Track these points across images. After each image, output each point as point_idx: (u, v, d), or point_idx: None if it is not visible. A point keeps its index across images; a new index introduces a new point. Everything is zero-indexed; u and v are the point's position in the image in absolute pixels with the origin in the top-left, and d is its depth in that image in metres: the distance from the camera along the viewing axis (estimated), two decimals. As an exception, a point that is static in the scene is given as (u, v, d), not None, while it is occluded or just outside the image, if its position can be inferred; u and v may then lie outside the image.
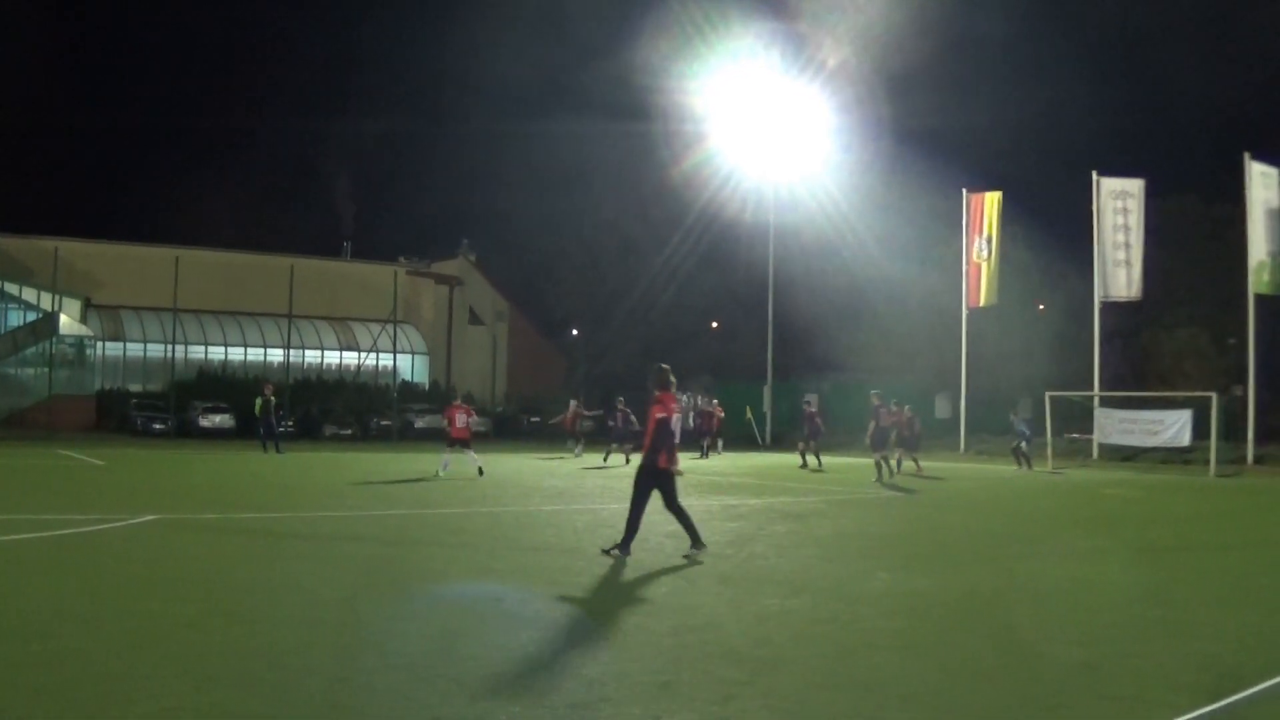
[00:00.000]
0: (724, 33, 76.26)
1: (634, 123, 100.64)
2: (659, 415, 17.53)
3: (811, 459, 46.48)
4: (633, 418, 48.29)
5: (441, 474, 36.23)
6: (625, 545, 17.44)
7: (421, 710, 8.73)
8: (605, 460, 47.42)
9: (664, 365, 18.56)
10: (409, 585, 14.73)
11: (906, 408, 42.73)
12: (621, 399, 48.53)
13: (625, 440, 48.11)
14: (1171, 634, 12.42)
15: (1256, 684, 9.83)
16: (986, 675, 10.33)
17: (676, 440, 18.09)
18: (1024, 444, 47.48)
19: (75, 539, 18.47)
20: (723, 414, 60.28)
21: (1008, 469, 47.25)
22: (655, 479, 17.58)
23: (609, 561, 16.94)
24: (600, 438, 53.84)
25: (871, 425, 39.74)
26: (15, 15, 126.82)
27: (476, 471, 36.44)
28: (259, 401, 49.93)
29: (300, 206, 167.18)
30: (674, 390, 18.31)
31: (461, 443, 38.17)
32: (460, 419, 38.65)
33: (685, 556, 17.11)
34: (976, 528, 24.97)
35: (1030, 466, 46.34)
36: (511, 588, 14.75)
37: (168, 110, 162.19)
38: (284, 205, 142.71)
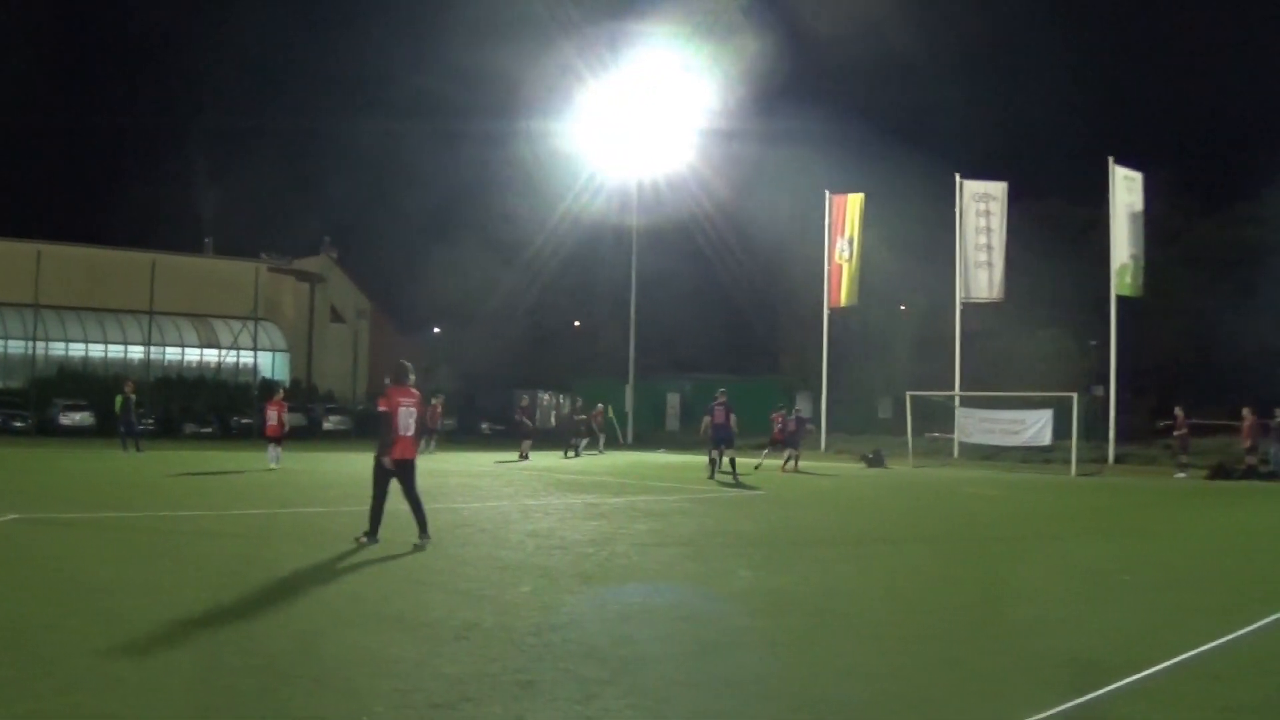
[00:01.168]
0: (590, 29, 76.43)
1: (497, 121, 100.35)
2: (382, 409, 17.82)
3: (778, 461, 45.75)
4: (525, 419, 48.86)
5: (273, 467, 36.78)
6: (372, 533, 18.08)
7: (282, 710, 8.65)
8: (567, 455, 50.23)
9: (403, 361, 18.97)
10: (267, 584, 14.54)
11: (797, 411, 42.86)
12: (526, 398, 48.33)
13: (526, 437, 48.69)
14: (1033, 630, 12.54)
15: (1119, 679, 9.93)
16: (848, 672, 10.38)
17: (408, 433, 18.17)
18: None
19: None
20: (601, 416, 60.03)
21: (868, 468, 47.62)
22: (384, 472, 17.71)
23: (469, 561, 16.88)
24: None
25: (705, 420, 39.97)
26: None
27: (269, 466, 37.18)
28: (119, 399, 49.18)
29: (161, 201, 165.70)
30: (411, 384, 18.51)
31: (273, 440, 38.60)
32: (273, 416, 39.03)
33: (415, 545, 17.52)
34: (837, 525, 25.25)
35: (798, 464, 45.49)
36: (370, 586, 14.70)
37: (32, 100, 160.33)
38: (145, 199, 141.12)
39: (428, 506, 18.41)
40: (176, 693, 9.07)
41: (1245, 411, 42.80)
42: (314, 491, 30.23)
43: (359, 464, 37.79)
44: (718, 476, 38.01)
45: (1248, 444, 42.89)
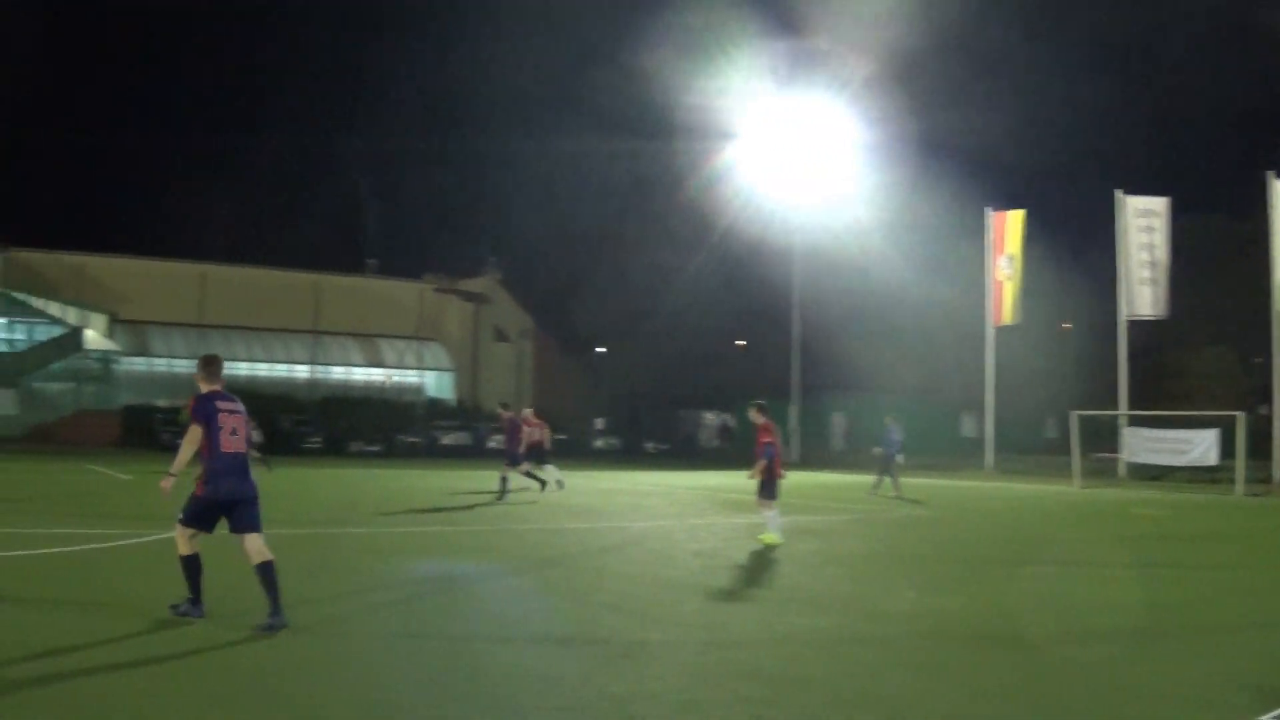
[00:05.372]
0: (749, 50, 76.26)
1: (660, 141, 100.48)
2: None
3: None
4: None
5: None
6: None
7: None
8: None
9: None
10: (439, 599, 14.76)
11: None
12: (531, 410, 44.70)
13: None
14: (1204, 653, 12.35)
15: (1287, 706, 9.71)
16: (1011, 695, 10.35)
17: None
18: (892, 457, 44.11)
19: (97, 554, 18.46)
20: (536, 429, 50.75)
21: (1037, 488, 47.02)
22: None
23: (636, 579, 16.96)
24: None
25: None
26: (39, 36, 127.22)
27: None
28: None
29: (326, 223, 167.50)
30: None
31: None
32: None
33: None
34: (1002, 545, 24.84)
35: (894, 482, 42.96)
36: (538, 604, 14.84)
37: (194, 126, 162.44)
38: (309, 221, 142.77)
39: (598, 525, 18.39)
40: (339, 708, 9.25)
41: None
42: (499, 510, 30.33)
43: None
44: (880, 496, 37.75)
45: None
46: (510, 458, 34.88)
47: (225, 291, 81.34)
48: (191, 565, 12.73)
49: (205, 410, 12.74)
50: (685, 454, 57.10)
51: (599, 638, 12.58)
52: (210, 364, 13.37)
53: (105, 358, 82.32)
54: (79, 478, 39.47)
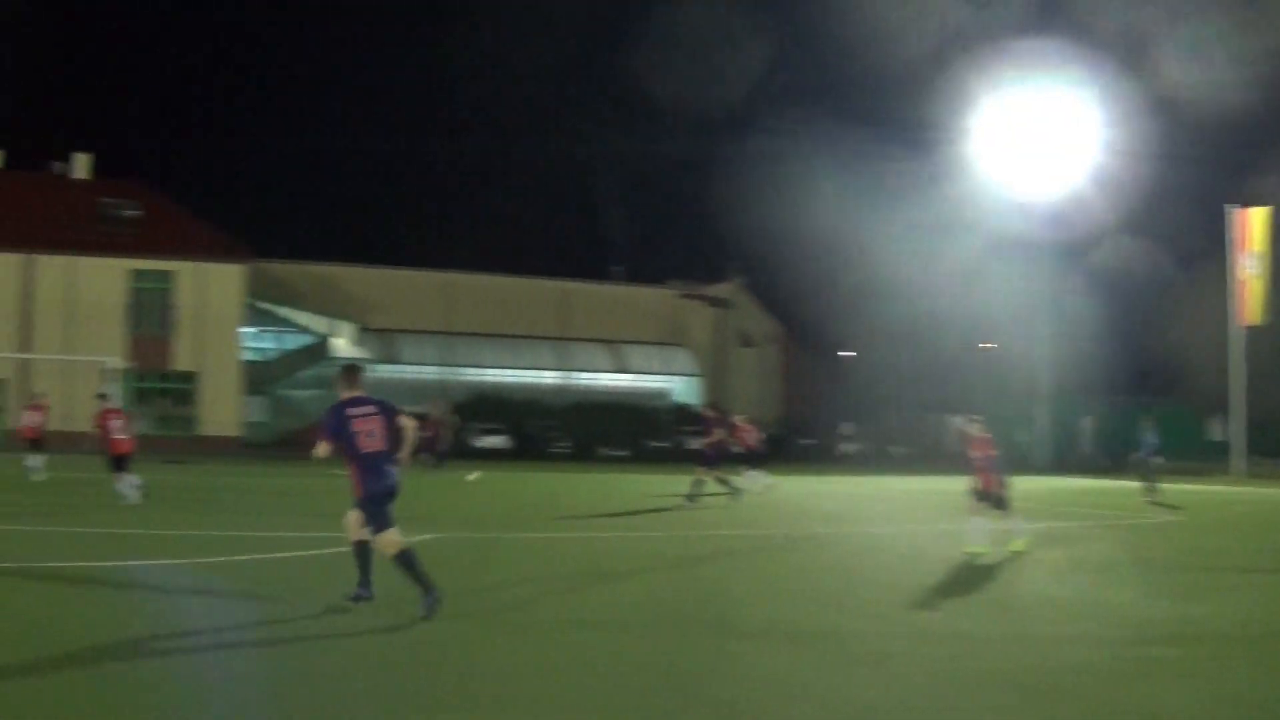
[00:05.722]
0: (991, 47, 75.79)
1: (903, 142, 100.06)
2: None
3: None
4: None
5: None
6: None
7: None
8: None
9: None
10: (681, 604, 15.02)
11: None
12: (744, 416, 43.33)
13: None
14: None
15: None
16: (1266, 706, 10.31)
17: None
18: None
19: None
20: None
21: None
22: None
23: (884, 585, 17.05)
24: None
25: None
26: (283, 49, 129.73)
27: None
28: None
29: (571, 230, 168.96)
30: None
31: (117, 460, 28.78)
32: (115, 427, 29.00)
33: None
34: (1256, 552, 24.34)
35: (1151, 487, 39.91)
36: (785, 608, 14.98)
37: (436, 137, 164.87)
38: (554, 228, 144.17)
39: (845, 530, 18.54)
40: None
41: None
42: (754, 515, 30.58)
43: (789, 487, 38.20)
44: (1152, 500, 37.17)
45: None
46: (707, 460, 34.32)
47: (472, 299, 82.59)
48: (363, 552, 13.78)
49: (332, 424, 13.81)
50: (932, 459, 56.89)
51: (847, 643, 12.77)
52: (349, 372, 14.50)
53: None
54: (327, 482, 40.45)
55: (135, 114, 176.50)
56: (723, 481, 33.86)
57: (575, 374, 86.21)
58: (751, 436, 39.40)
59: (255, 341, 79.63)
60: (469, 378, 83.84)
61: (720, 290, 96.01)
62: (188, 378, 67.99)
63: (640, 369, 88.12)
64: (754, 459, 39.12)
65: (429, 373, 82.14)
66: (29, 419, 38.18)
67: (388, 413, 13.89)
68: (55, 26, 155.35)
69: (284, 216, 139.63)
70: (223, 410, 68.09)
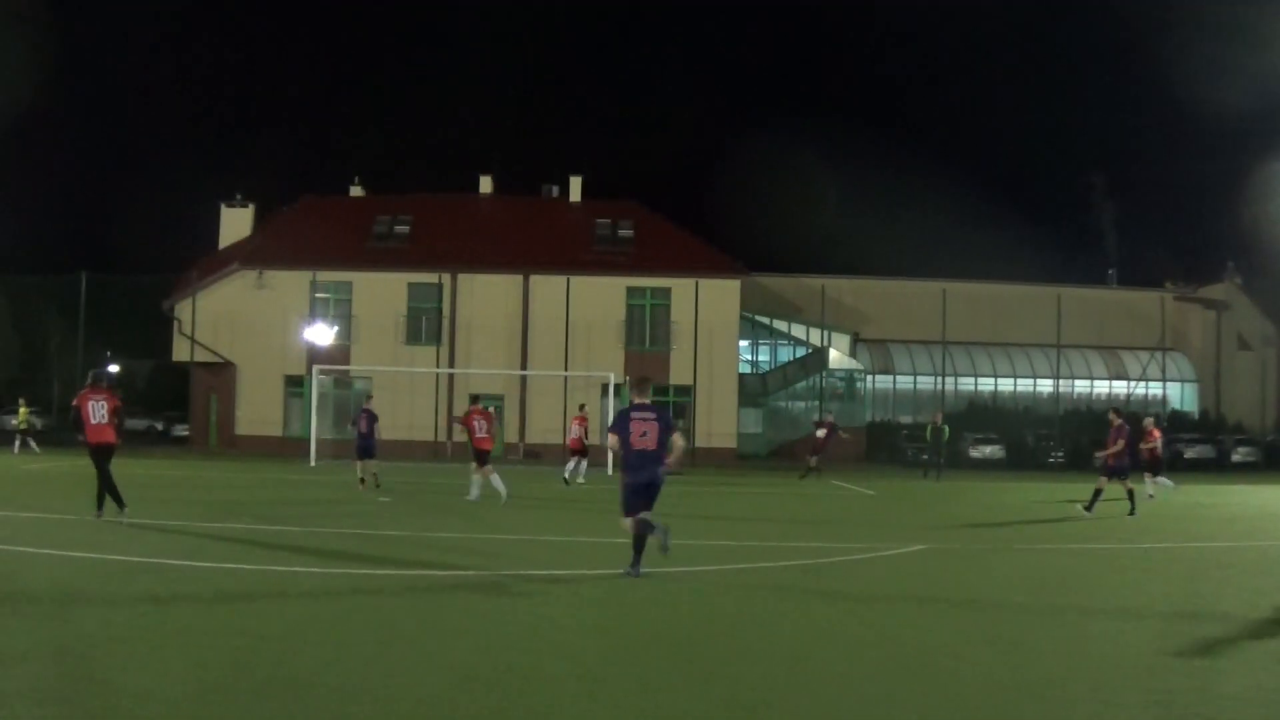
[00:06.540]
0: None
1: None
2: (74, 404, 21.48)
3: None
4: None
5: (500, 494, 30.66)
6: (100, 508, 21.85)
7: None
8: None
9: (94, 370, 21.45)
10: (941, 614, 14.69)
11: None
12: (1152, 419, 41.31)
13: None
14: None
15: None
16: None
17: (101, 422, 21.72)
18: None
19: (841, 566, 19.22)
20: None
21: None
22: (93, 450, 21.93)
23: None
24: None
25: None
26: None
27: (471, 493, 31.85)
28: (929, 429, 53.39)
29: (1066, 234, 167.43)
30: (103, 385, 21.67)
31: (480, 455, 31.57)
32: (480, 427, 31.85)
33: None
34: None
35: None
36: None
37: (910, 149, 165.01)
38: (1049, 235, 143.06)
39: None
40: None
41: None
42: (1216, 526, 29.87)
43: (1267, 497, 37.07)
44: None
45: None
46: (1111, 469, 32.62)
47: (965, 307, 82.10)
48: (638, 538, 16.52)
49: (618, 423, 16.96)
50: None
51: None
52: (640, 383, 17.96)
53: (849, 376, 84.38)
54: (825, 491, 40.73)
55: (622, 140, 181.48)
56: (1130, 494, 32.33)
57: (1070, 381, 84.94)
58: (1154, 443, 38.40)
59: (749, 354, 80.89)
60: (964, 387, 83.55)
61: (1216, 291, 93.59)
62: (685, 391, 69.13)
63: (1136, 375, 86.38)
64: (1155, 466, 38.25)
65: (924, 383, 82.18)
66: (576, 430, 41.75)
67: (664, 422, 16.82)
68: (541, 58, 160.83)
69: (777, 229, 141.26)
70: (719, 422, 69.15)
